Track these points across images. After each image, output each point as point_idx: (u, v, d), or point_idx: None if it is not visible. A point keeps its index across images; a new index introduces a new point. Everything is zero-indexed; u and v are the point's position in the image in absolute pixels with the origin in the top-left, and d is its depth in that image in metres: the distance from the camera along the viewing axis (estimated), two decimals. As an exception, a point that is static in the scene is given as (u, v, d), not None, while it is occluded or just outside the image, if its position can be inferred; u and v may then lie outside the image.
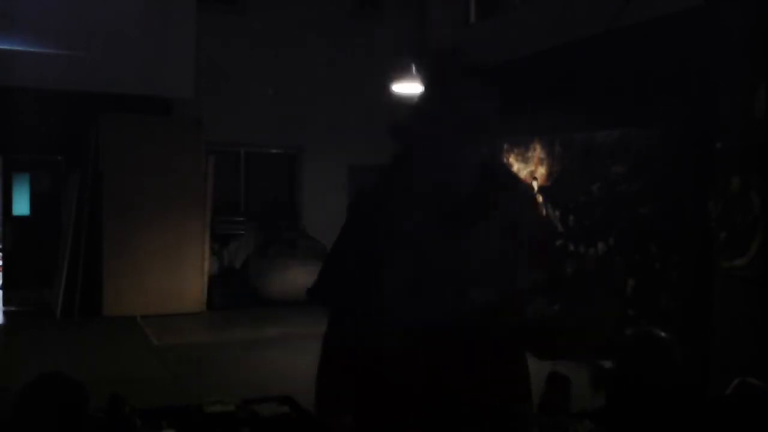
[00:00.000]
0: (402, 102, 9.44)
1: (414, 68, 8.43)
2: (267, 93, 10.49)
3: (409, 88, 8.68)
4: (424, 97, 1.74)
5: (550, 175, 7.51)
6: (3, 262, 10.41)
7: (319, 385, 1.78)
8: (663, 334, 2.49)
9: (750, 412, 2.41)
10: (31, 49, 8.60)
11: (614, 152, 6.62)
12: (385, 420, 1.70)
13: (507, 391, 1.70)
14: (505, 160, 8.14)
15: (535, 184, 7.70)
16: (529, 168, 7.80)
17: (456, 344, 1.62)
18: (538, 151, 7.69)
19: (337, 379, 1.75)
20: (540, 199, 7.66)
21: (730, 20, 4.97)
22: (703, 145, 5.45)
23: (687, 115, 5.90)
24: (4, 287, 10.10)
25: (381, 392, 1.69)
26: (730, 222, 4.85)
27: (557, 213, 7.38)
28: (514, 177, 1.92)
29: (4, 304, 9.58)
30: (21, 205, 10.28)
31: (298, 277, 9.88)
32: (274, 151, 11.25)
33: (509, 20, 9.13)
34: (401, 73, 8.50)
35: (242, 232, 10.35)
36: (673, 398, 2.34)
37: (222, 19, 10.39)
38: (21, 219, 10.22)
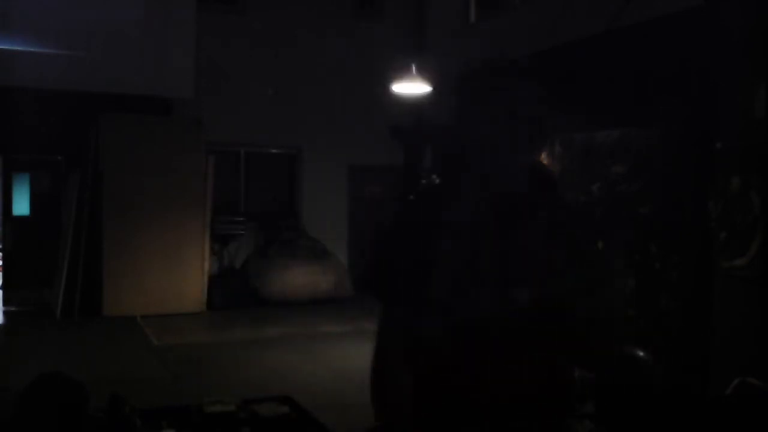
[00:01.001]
0: (402, 102, 9.46)
1: (414, 68, 8.43)
2: (267, 93, 10.50)
3: (408, 88, 8.69)
4: (475, 103, 1.78)
5: (550, 175, 7.50)
6: (3, 262, 10.42)
7: (377, 379, 1.80)
8: (641, 353, 2.51)
9: (750, 412, 2.41)
10: (31, 49, 8.61)
11: (614, 152, 6.62)
12: (431, 417, 1.73)
13: (543, 392, 1.72)
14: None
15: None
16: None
17: (500, 342, 1.66)
18: (538, 151, 7.68)
19: (397, 372, 1.77)
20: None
21: (730, 20, 4.97)
22: (703, 145, 5.45)
23: (687, 115, 5.89)
24: (4, 287, 10.10)
25: (430, 389, 1.72)
26: (730, 222, 4.85)
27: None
28: (556, 179, 1.97)
29: (4, 304, 9.58)
30: (21, 205, 10.28)
31: (298, 277, 9.90)
32: (274, 151, 11.25)
33: (509, 20, 9.13)
34: (401, 73, 8.50)
35: (242, 232, 10.35)
36: (667, 401, 2.34)
37: (222, 19, 10.40)
38: (21, 219, 10.23)
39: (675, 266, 5.96)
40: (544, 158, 1.88)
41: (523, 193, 1.76)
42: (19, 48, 8.57)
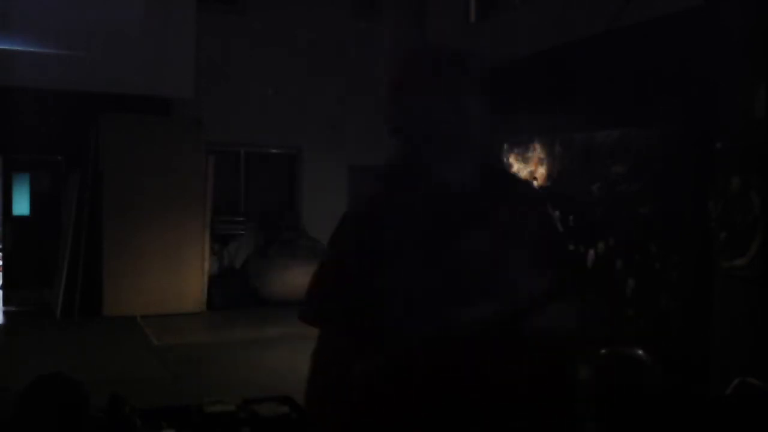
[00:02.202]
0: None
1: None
2: (267, 93, 10.49)
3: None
4: (420, 100, 1.63)
5: (550, 175, 7.50)
6: (3, 262, 10.41)
7: (310, 401, 1.66)
8: (640, 352, 2.49)
9: (750, 412, 2.41)
10: (31, 49, 8.61)
11: (614, 152, 6.61)
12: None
13: (509, 404, 1.57)
14: (505, 160, 8.14)
15: (534, 184, 7.70)
16: (529, 168, 7.80)
17: (459, 359, 1.51)
18: (538, 151, 7.69)
19: (330, 394, 1.62)
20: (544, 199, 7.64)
21: (730, 20, 4.97)
22: (703, 145, 5.45)
23: (687, 115, 5.89)
24: (4, 287, 10.09)
25: (381, 410, 1.57)
26: (730, 222, 4.84)
27: (557, 213, 7.38)
28: (515, 178, 1.82)
29: (4, 304, 9.58)
30: (21, 205, 10.28)
31: (298, 277, 9.89)
32: (274, 151, 11.25)
33: (509, 20, 9.13)
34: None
35: (242, 232, 10.35)
36: (665, 402, 2.34)
37: (222, 19, 10.39)
38: (21, 219, 10.23)
39: (675, 266, 5.96)
40: (501, 157, 1.74)
41: (473, 194, 1.60)
42: (19, 48, 8.56)
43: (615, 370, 2.47)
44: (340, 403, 1.59)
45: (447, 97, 1.59)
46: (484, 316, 1.50)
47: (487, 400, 1.52)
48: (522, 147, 7.91)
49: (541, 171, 7.63)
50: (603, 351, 2.86)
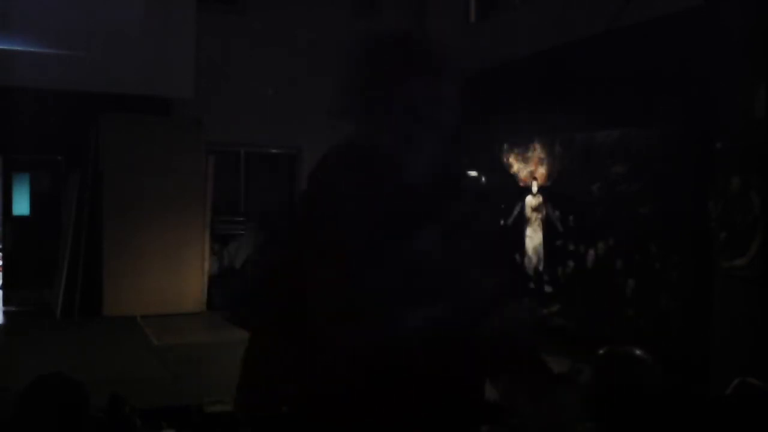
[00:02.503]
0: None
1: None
2: (267, 93, 10.49)
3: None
4: (368, 93, 1.54)
5: (550, 175, 7.51)
6: (3, 262, 10.41)
7: (238, 405, 1.59)
8: (638, 352, 2.48)
9: (750, 412, 2.41)
10: (31, 49, 8.60)
11: (614, 152, 6.62)
12: None
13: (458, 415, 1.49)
14: (505, 160, 8.14)
15: (535, 184, 7.70)
16: (529, 168, 7.80)
17: (404, 372, 1.40)
18: (538, 151, 7.69)
19: (258, 397, 1.55)
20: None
21: (730, 20, 4.97)
22: (703, 145, 5.45)
23: (687, 115, 5.89)
24: (4, 287, 10.09)
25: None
26: (730, 222, 4.84)
27: (557, 213, 7.38)
28: (464, 175, 1.69)
29: (4, 304, 9.57)
30: (21, 205, 10.28)
31: (298, 277, 9.89)
32: (274, 151, 11.24)
33: (509, 20, 9.13)
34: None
35: (242, 232, 10.35)
36: (665, 402, 2.34)
37: (222, 19, 10.39)
38: (21, 219, 10.22)
39: (675, 266, 5.96)
40: (449, 155, 1.49)
41: (419, 192, 1.48)
42: (19, 48, 8.56)
43: (614, 370, 2.46)
44: (272, 405, 1.51)
45: (398, 82, 1.48)
46: (436, 317, 1.41)
47: (437, 398, 1.43)
48: (522, 147, 7.91)
49: (541, 171, 7.63)
50: (601, 351, 2.85)
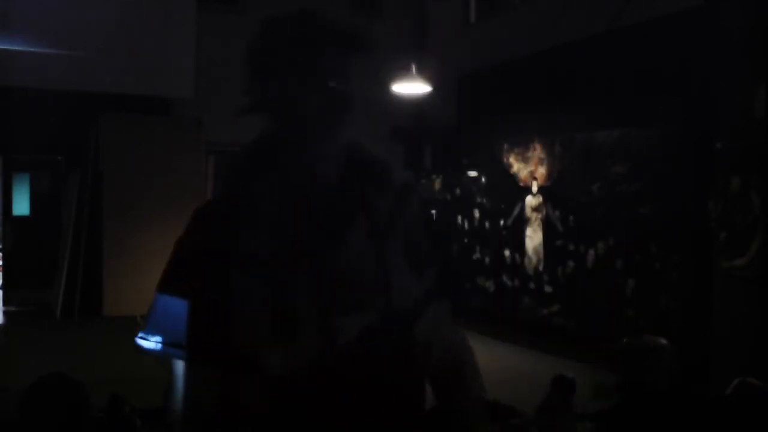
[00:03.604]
0: (402, 102, 9.45)
1: (414, 68, 8.43)
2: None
3: (408, 88, 8.68)
4: (268, 70, 1.42)
5: (550, 175, 7.51)
6: (3, 262, 10.41)
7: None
8: (663, 341, 2.50)
9: (750, 412, 2.41)
10: (31, 49, 8.60)
11: (614, 152, 6.62)
12: None
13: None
14: (505, 160, 8.14)
15: (535, 184, 7.70)
16: (529, 168, 7.80)
17: (331, 389, 1.31)
18: (538, 151, 7.69)
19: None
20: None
21: (730, 20, 4.97)
22: (703, 145, 5.45)
23: (687, 115, 5.90)
24: (4, 287, 10.09)
25: None
26: (730, 222, 4.84)
27: (557, 213, 7.38)
28: (386, 165, 1.50)
29: (4, 304, 9.57)
30: (21, 205, 10.28)
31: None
32: (274, 151, 11.24)
33: (509, 20, 9.13)
34: (401, 72, 8.50)
35: (242, 232, 10.34)
36: (673, 400, 2.34)
37: (222, 19, 10.39)
38: (21, 219, 10.23)
39: (675, 266, 5.96)
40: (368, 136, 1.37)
41: (337, 187, 1.37)
42: (19, 48, 8.56)
43: (636, 360, 2.46)
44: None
45: (305, 68, 1.39)
46: (363, 324, 1.33)
47: (376, 406, 1.35)
48: (522, 147, 7.91)
49: (541, 171, 7.63)
50: (624, 340, 2.87)
